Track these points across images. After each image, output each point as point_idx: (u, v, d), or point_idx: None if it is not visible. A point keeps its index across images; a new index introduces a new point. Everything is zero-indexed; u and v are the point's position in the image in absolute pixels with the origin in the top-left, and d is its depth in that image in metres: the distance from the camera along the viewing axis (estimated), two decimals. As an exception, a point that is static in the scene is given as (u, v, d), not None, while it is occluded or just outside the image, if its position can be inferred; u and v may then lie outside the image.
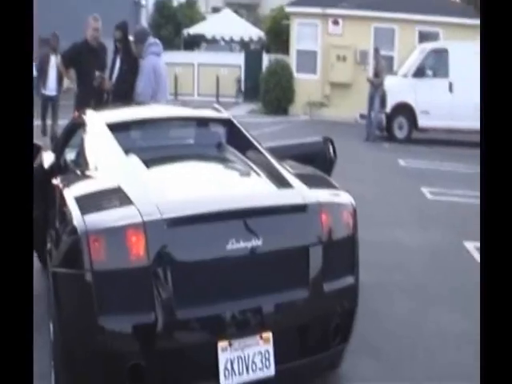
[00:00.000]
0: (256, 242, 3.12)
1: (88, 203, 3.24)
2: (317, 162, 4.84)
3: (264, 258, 3.19)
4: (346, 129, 15.85)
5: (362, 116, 15.58)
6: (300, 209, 3.33)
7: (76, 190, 3.52)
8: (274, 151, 4.31)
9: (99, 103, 7.05)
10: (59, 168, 4.53)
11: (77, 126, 4.63)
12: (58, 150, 4.82)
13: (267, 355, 3.17)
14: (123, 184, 3.35)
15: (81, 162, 4.12)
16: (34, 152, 4.92)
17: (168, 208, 3.09)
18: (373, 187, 9.17)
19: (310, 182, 3.65)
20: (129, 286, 2.94)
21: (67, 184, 3.64)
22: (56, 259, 3.23)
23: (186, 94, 21.74)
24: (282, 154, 4.36)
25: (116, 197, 3.24)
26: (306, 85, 18.93)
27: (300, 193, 3.45)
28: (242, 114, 19.85)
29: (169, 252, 3.00)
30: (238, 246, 3.09)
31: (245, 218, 3.16)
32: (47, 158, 5.04)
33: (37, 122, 10.82)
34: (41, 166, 4.84)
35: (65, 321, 3.11)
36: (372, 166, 11.39)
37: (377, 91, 14.43)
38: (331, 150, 5.07)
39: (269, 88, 19.19)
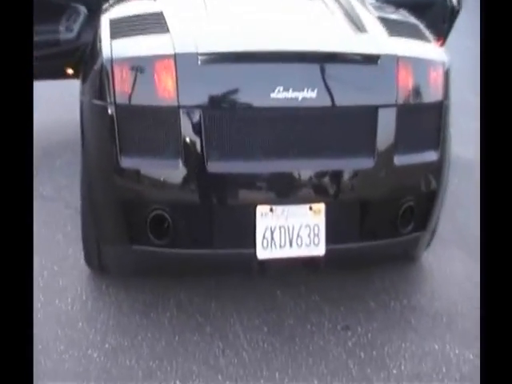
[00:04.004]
0: (309, 94, 2.57)
1: (122, 27, 2.86)
2: (434, 9, 4.14)
3: (318, 113, 2.64)
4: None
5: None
6: (370, 59, 2.68)
7: (117, 11, 3.16)
8: None
9: None
10: None
11: None
12: None
13: (317, 230, 2.68)
14: (167, 10, 2.93)
15: None
16: None
17: (208, 42, 2.63)
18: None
19: (394, 29, 2.96)
20: (154, 127, 2.57)
21: (117, 3, 3.33)
22: (83, 87, 2.91)
23: None
24: None
25: (154, 23, 2.82)
26: None
27: (375, 40, 2.80)
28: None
29: (202, 93, 2.56)
30: (285, 95, 2.56)
31: (297, 63, 2.64)
32: None
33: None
34: None
35: (88, 158, 2.82)
36: None
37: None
38: None
39: None
